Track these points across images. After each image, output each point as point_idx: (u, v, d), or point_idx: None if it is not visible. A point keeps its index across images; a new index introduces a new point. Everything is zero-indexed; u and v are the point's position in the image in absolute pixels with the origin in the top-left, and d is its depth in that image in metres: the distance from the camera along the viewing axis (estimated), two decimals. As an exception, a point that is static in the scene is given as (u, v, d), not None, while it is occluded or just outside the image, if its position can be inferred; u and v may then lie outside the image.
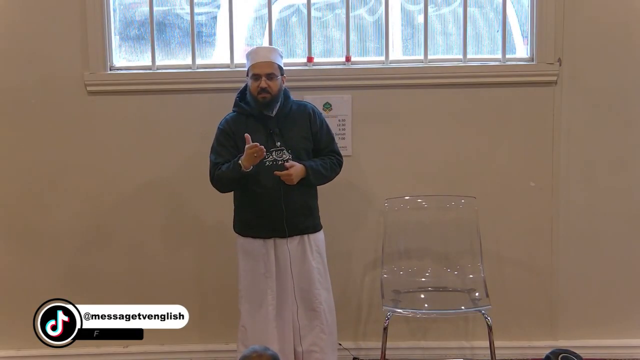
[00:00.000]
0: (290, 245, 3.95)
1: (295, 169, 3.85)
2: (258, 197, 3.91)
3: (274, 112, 3.91)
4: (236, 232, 4.05)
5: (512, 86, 4.49)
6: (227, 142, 3.94)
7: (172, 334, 4.67)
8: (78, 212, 4.61)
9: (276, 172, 3.83)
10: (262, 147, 3.76)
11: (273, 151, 3.90)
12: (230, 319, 4.61)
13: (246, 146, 3.77)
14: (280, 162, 3.88)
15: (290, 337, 4.02)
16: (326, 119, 4.12)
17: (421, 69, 4.51)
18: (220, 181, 3.91)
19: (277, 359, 3.07)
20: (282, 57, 3.98)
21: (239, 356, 3.10)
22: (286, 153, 3.90)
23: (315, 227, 4.03)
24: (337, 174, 4.04)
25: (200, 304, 4.66)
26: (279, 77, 3.90)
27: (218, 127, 4.00)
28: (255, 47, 3.99)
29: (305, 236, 3.98)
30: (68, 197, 4.60)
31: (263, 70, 3.86)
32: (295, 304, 3.98)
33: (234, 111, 4.01)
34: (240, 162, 3.80)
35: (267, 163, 3.87)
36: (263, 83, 3.85)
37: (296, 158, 3.91)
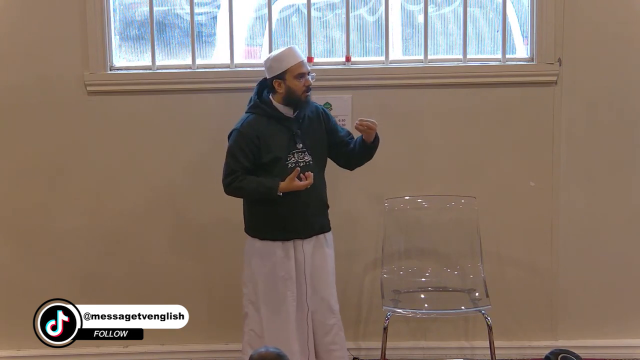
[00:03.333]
0: (307, 246, 3.93)
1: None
2: (277, 202, 3.85)
3: (294, 114, 3.90)
4: (251, 236, 4.00)
5: (512, 86, 4.49)
6: (247, 146, 3.85)
7: (172, 334, 4.67)
8: (78, 211, 4.61)
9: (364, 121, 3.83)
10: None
11: (295, 153, 3.87)
12: (230, 319, 4.62)
13: (300, 183, 3.78)
14: (301, 164, 3.85)
15: (310, 337, 3.99)
16: None
17: (421, 69, 4.51)
18: (239, 192, 3.88)
19: (283, 356, 3.07)
20: None
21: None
22: (307, 155, 3.88)
23: (329, 226, 4.04)
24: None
25: (201, 304, 4.66)
26: None
27: (236, 129, 3.89)
28: (289, 47, 3.89)
29: (322, 236, 3.98)
30: (68, 197, 4.60)
31: (308, 68, 3.88)
32: (307, 305, 3.96)
33: (251, 113, 3.92)
34: (279, 188, 3.78)
35: (289, 165, 3.85)
36: (309, 81, 3.84)
37: (316, 160, 3.89)
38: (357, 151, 3.98)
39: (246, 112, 3.94)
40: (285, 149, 3.86)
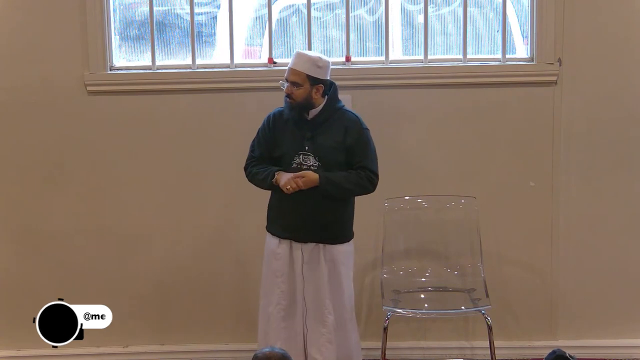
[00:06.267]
0: (305, 250, 3.93)
1: (305, 181, 3.81)
2: (282, 198, 3.90)
3: (310, 116, 3.90)
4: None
5: (512, 86, 4.49)
6: (264, 135, 3.97)
7: (172, 333, 4.68)
8: (78, 211, 4.61)
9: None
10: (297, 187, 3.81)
11: (301, 154, 3.89)
12: (230, 319, 4.62)
13: (294, 178, 3.80)
14: (304, 167, 3.87)
15: (300, 339, 4.00)
16: (369, 129, 4.00)
17: (421, 69, 4.51)
18: (251, 180, 3.99)
19: (287, 357, 3.08)
20: (320, 67, 3.86)
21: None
22: (312, 159, 3.88)
23: (335, 239, 3.96)
24: (365, 189, 3.92)
25: (201, 304, 4.66)
26: (307, 87, 3.84)
27: (265, 118, 4.02)
28: (299, 51, 3.94)
29: (322, 245, 3.94)
30: (68, 197, 4.60)
31: (289, 76, 3.87)
32: (304, 307, 3.96)
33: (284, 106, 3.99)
34: (275, 177, 3.86)
35: (293, 165, 3.88)
36: (287, 89, 3.86)
37: (324, 166, 3.87)
38: None
39: None
40: (293, 148, 3.89)
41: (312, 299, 3.96)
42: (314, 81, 3.86)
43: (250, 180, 4.00)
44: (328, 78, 3.92)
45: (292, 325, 4.00)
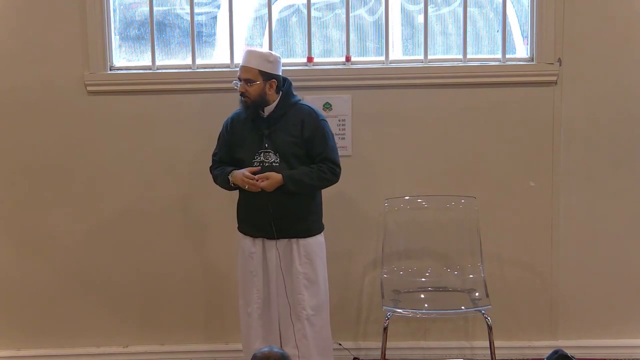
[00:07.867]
0: (279, 247, 3.95)
1: (270, 182, 3.83)
2: (248, 197, 3.95)
3: (266, 114, 3.93)
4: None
5: (512, 86, 4.49)
6: (224, 136, 4.05)
7: (172, 334, 4.69)
8: (78, 212, 4.61)
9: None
10: (258, 185, 3.81)
11: (262, 152, 3.91)
12: (230, 319, 4.62)
13: (246, 173, 3.84)
14: (266, 165, 3.89)
15: (276, 337, 4.03)
16: (326, 119, 4.03)
17: (421, 69, 4.51)
18: (216, 183, 4.07)
19: (286, 356, 3.09)
20: (271, 62, 3.88)
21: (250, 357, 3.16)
22: (273, 155, 3.90)
23: (308, 232, 3.98)
24: (329, 182, 3.94)
25: (201, 304, 4.66)
26: (261, 83, 3.86)
27: (224, 122, 4.09)
28: (249, 49, 3.99)
29: (294, 240, 3.95)
30: (68, 197, 4.60)
31: (241, 74, 3.90)
32: (288, 305, 3.98)
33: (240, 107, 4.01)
34: (230, 176, 3.92)
35: (255, 164, 3.91)
36: (241, 87, 3.88)
37: (284, 162, 3.89)
38: None
39: None
40: (253, 147, 3.92)
41: (290, 295, 3.98)
42: (267, 76, 3.88)
43: (215, 183, 4.07)
44: (280, 73, 3.94)
45: (269, 322, 4.04)
